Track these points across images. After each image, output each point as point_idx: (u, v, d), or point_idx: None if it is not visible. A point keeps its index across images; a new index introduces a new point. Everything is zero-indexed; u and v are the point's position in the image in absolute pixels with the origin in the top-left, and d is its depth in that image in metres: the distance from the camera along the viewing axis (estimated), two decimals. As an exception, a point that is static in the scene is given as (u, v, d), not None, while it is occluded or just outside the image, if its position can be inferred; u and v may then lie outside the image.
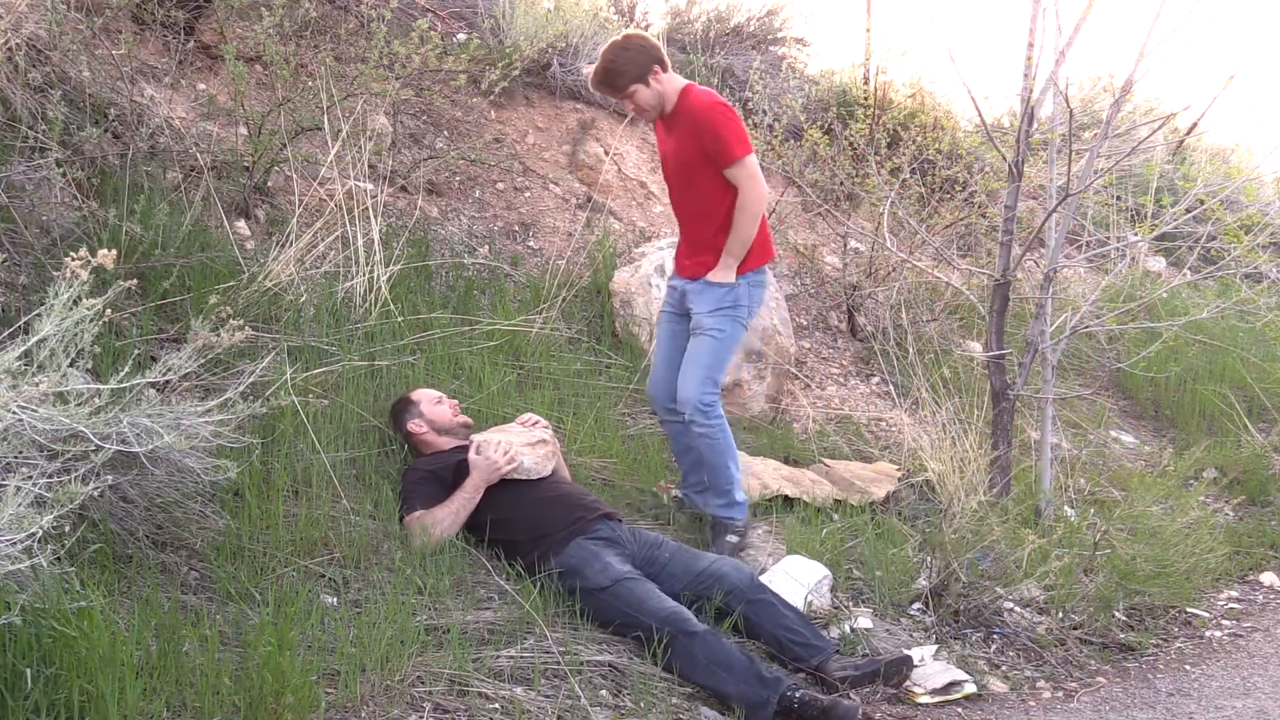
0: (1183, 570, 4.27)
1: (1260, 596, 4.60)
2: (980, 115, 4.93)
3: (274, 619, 2.59)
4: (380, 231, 4.47)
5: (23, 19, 3.81)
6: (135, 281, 2.70)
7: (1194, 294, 7.30)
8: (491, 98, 6.01)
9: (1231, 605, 4.43)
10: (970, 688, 3.38)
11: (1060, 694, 3.50)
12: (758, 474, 4.41)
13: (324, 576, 3.03)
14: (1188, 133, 9.03)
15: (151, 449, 2.55)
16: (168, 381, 2.75)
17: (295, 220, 4.35)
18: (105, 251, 2.27)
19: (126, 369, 2.46)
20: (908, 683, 3.31)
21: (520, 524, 3.39)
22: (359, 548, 3.14)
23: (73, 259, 2.24)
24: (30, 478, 2.16)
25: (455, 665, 2.74)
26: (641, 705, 2.87)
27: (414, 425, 3.68)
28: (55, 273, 2.29)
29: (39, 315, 2.28)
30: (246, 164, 4.57)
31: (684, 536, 3.91)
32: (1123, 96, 4.61)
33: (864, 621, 3.62)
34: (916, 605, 3.82)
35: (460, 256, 5.17)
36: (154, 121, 4.32)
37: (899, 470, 4.80)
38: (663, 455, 4.36)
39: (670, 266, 4.64)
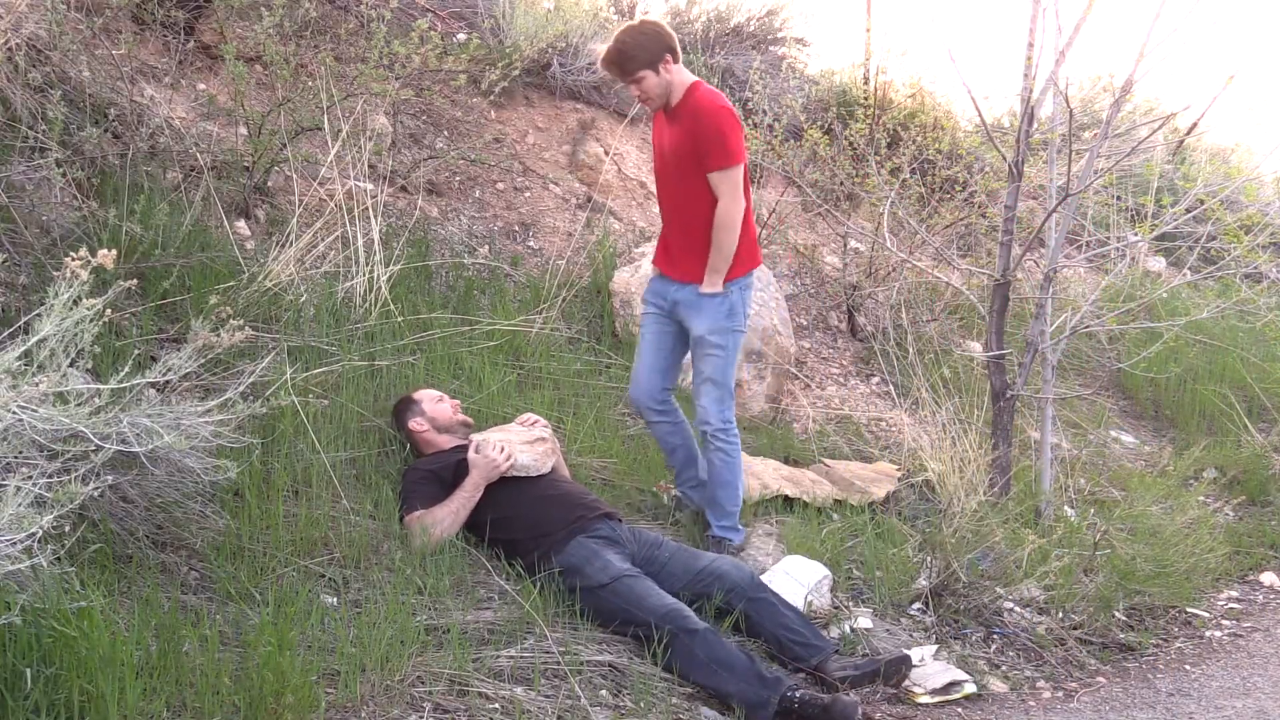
0: (1183, 570, 4.27)
1: (1260, 596, 4.60)
2: (980, 115, 4.93)
3: (274, 619, 2.59)
4: (380, 231, 4.46)
5: (23, 19, 3.81)
6: (135, 281, 2.70)
7: (1194, 294, 7.30)
8: (491, 98, 6.01)
9: (1231, 605, 4.43)
10: (970, 688, 3.38)
11: (1060, 694, 3.50)
12: (758, 474, 4.41)
13: (324, 576, 3.03)
14: (1188, 133, 9.04)
15: (151, 449, 2.55)
16: (168, 381, 2.75)
17: (295, 220, 4.35)
18: (105, 251, 2.27)
19: (126, 369, 2.46)
20: (907, 682, 3.31)
21: (521, 523, 3.39)
22: (359, 548, 3.14)
23: (73, 259, 2.24)
24: (30, 478, 2.16)
25: (455, 665, 2.74)
26: (641, 705, 2.87)
27: (415, 423, 3.68)
28: (55, 273, 2.29)
29: (39, 315, 2.28)
30: (246, 164, 4.57)
31: (684, 536, 3.91)
32: (1123, 96, 4.61)
33: (864, 621, 3.62)
34: (916, 605, 3.82)
35: (460, 256, 5.17)
36: (154, 121, 4.32)
37: (899, 470, 4.80)
38: (662, 455, 4.36)
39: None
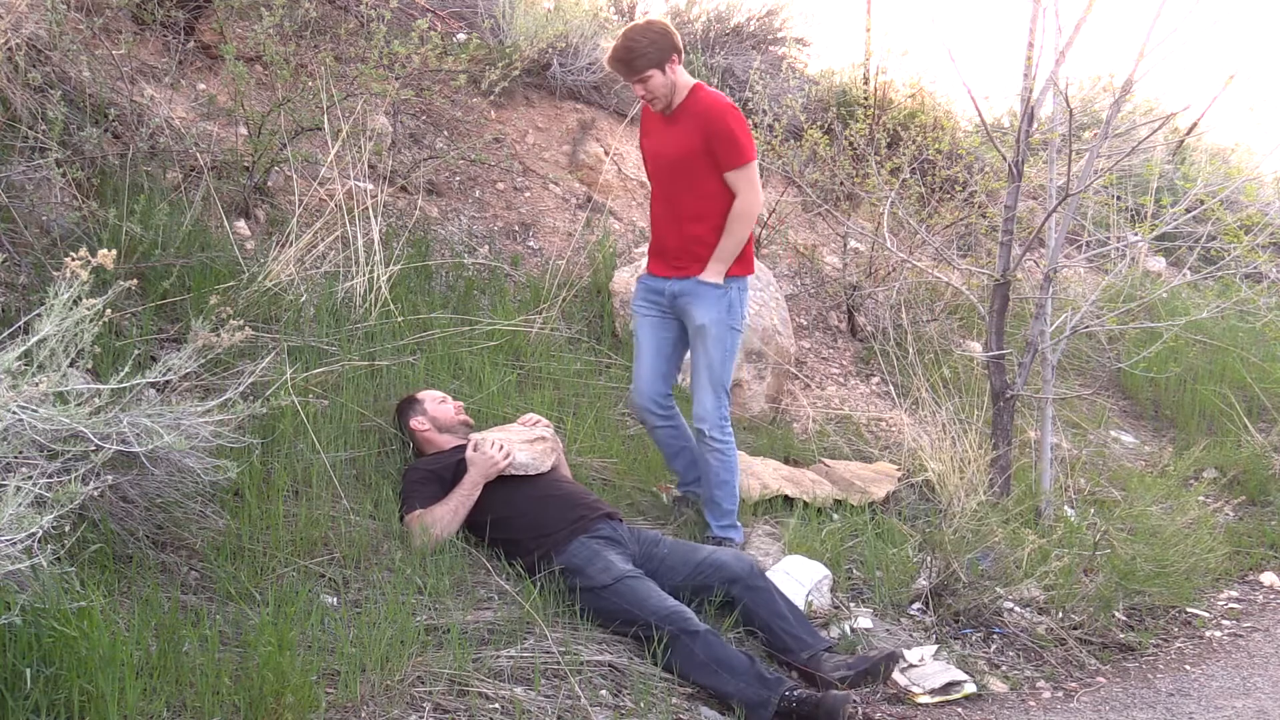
0: (1183, 570, 4.27)
1: (1260, 596, 4.60)
2: (980, 115, 4.94)
3: (274, 619, 2.59)
4: (380, 231, 4.46)
5: (23, 19, 3.81)
6: (135, 281, 2.70)
7: (1194, 294, 7.30)
8: (491, 98, 6.01)
9: (1231, 605, 4.43)
10: (970, 688, 3.38)
11: (1060, 694, 3.50)
12: (758, 474, 4.41)
13: (324, 576, 3.03)
14: (1188, 133, 9.04)
15: (151, 449, 2.55)
16: (168, 381, 2.76)
17: (295, 220, 4.36)
18: (105, 251, 2.27)
19: (126, 369, 2.46)
20: (905, 682, 3.31)
21: (521, 523, 3.39)
22: (359, 548, 3.14)
23: (73, 259, 2.24)
24: (30, 478, 2.16)
25: (455, 665, 2.74)
26: (641, 705, 2.87)
27: (417, 423, 3.68)
28: (55, 273, 2.29)
29: (39, 315, 2.28)
30: (246, 164, 4.57)
31: (686, 535, 3.91)
32: (1123, 96, 4.61)
33: (864, 621, 3.62)
34: (916, 605, 3.82)
35: (460, 256, 5.17)
36: (154, 121, 4.32)
37: (899, 470, 4.80)
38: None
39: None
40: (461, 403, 3.87)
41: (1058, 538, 4.10)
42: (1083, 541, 4.17)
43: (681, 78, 3.72)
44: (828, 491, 4.43)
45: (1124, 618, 4.04)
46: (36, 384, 2.17)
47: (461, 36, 6.22)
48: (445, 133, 5.89)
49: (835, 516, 4.27)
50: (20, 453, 2.27)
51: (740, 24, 8.10)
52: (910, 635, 3.66)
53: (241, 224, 4.48)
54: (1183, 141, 8.99)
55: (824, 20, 11.74)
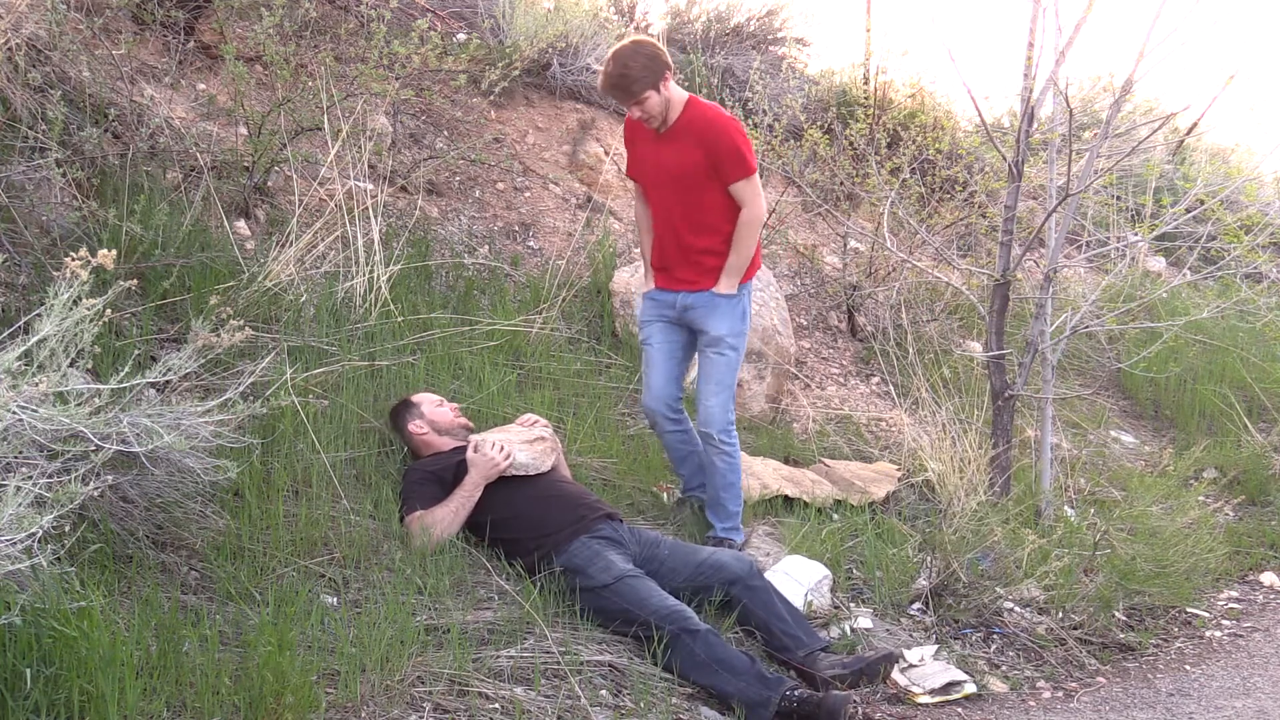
0: (1183, 570, 4.27)
1: (1260, 596, 4.60)
2: (980, 115, 4.94)
3: (274, 619, 2.59)
4: (380, 231, 4.46)
5: (23, 19, 3.81)
6: (135, 281, 2.70)
7: (1194, 294, 7.30)
8: (491, 98, 6.01)
9: (1231, 605, 4.43)
10: (970, 688, 3.38)
11: (1060, 694, 3.50)
12: (758, 474, 4.41)
13: (324, 576, 3.03)
14: (1188, 133, 9.04)
15: (151, 449, 2.55)
16: (168, 381, 2.75)
17: (295, 220, 4.35)
18: (105, 251, 2.27)
19: (126, 369, 2.46)
20: (905, 682, 3.31)
21: (522, 523, 3.39)
22: (359, 548, 3.14)
23: (73, 259, 2.24)
24: (30, 478, 2.16)
25: (455, 665, 2.74)
26: (641, 705, 2.87)
27: (415, 427, 3.68)
28: (55, 273, 2.29)
29: (39, 315, 2.28)
30: (246, 164, 4.57)
31: (686, 536, 3.91)
32: (1123, 96, 4.61)
33: (864, 621, 3.62)
34: (916, 605, 3.82)
35: (460, 256, 5.17)
36: (154, 121, 4.32)
37: (899, 470, 4.80)
38: (663, 456, 4.36)
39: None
40: (458, 404, 3.87)
41: (1058, 538, 4.10)
42: (1083, 541, 4.17)
43: (675, 93, 3.73)
44: (828, 491, 4.43)
45: (1124, 618, 4.04)
46: (36, 384, 2.17)
47: (461, 36, 6.22)
48: (445, 133, 5.89)
49: (835, 516, 4.27)
50: (20, 453, 2.27)
51: (740, 24, 8.10)
52: (910, 635, 3.66)
53: (241, 224, 4.48)
54: (1183, 141, 8.99)
55: (824, 20, 11.74)
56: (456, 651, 2.76)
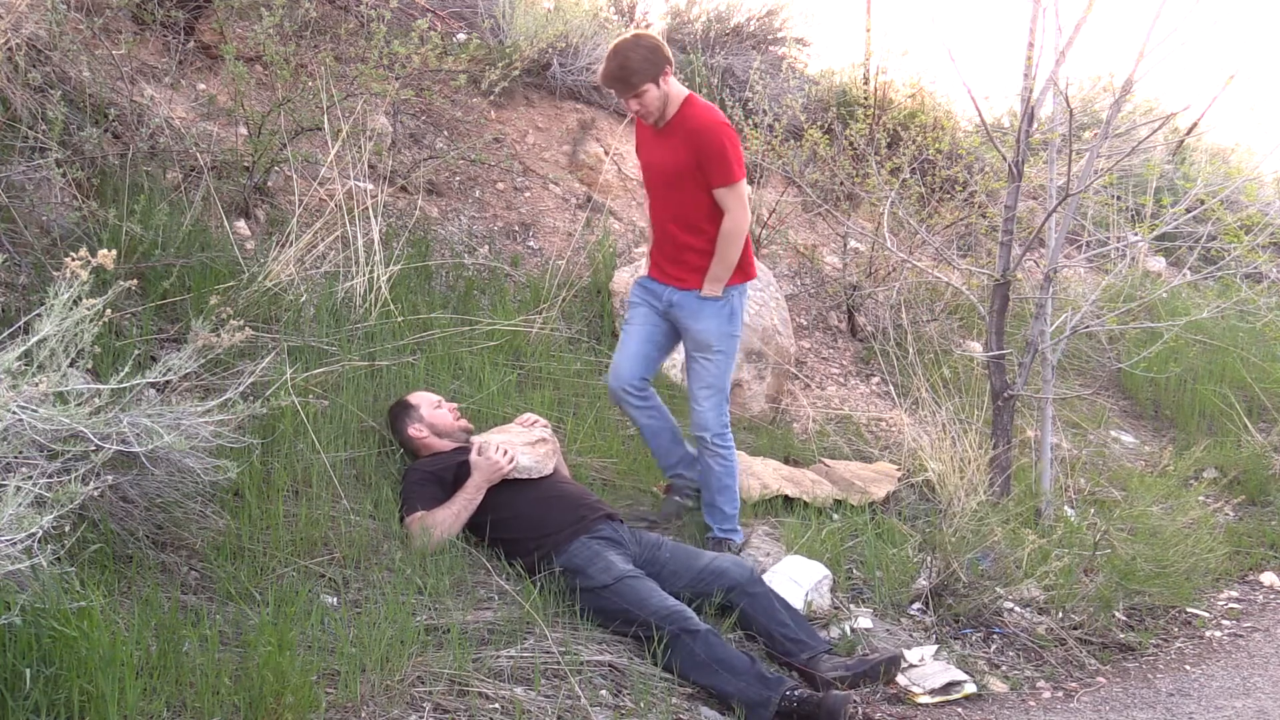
0: (1183, 570, 4.27)
1: (1260, 596, 4.60)
2: (980, 115, 4.93)
3: (274, 619, 2.59)
4: (380, 231, 4.46)
5: (23, 19, 3.81)
6: (135, 281, 2.70)
7: (1194, 294, 7.30)
8: (491, 98, 6.01)
9: (1231, 605, 4.43)
10: (970, 688, 3.38)
11: (1060, 694, 3.50)
12: (758, 474, 4.40)
13: (324, 576, 3.03)
14: (1188, 133, 9.04)
15: (151, 449, 2.55)
16: (168, 381, 2.75)
17: (295, 220, 4.35)
18: (105, 251, 2.27)
19: (126, 369, 2.46)
20: (905, 681, 3.31)
21: (522, 523, 3.39)
22: (359, 548, 3.14)
23: (73, 259, 2.24)
24: (30, 478, 2.16)
25: (455, 665, 2.74)
26: (641, 705, 2.87)
27: (415, 430, 3.66)
28: (55, 273, 2.29)
29: (39, 315, 2.28)
30: (246, 164, 4.57)
31: (685, 537, 3.91)
32: (1123, 96, 4.61)
33: (864, 622, 3.62)
34: (916, 605, 3.82)
35: (460, 256, 5.17)
36: (154, 121, 4.32)
37: (899, 470, 4.80)
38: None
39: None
40: (457, 404, 3.86)
41: (1058, 538, 4.10)
42: (1083, 541, 4.17)
43: (674, 89, 3.72)
44: (828, 491, 4.43)
45: (1124, 618, 4.04)
46: (36, 384, 2.17)
47: (461, 36, 6.22)
48: (445, 133, 5.89)
49: (835, 516, 4.27)
50: (20, 453, 2.27)
51: (740, 24, 8.10)
52: (910, 635, 3.66)
53: (241, 224, 4.48)
54: (1183, 141, 8.99)
55: (824, 20, 11.74)
56: (456, 651, 2.76)
